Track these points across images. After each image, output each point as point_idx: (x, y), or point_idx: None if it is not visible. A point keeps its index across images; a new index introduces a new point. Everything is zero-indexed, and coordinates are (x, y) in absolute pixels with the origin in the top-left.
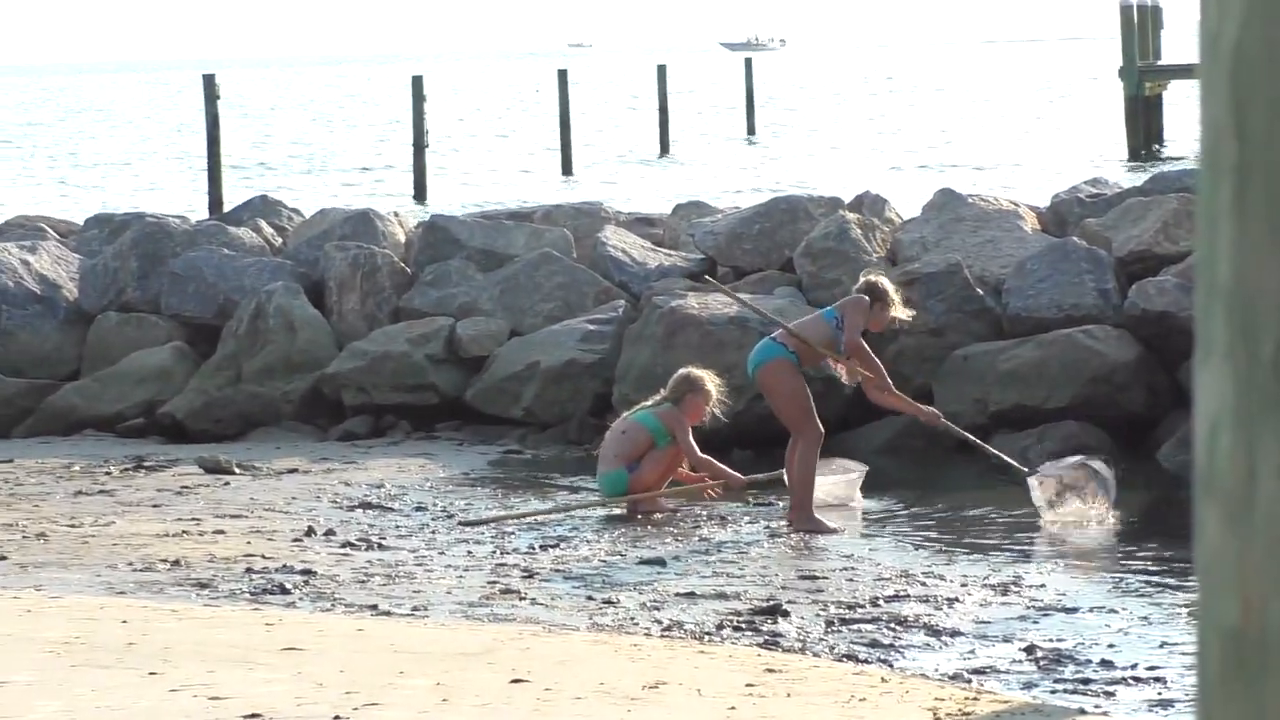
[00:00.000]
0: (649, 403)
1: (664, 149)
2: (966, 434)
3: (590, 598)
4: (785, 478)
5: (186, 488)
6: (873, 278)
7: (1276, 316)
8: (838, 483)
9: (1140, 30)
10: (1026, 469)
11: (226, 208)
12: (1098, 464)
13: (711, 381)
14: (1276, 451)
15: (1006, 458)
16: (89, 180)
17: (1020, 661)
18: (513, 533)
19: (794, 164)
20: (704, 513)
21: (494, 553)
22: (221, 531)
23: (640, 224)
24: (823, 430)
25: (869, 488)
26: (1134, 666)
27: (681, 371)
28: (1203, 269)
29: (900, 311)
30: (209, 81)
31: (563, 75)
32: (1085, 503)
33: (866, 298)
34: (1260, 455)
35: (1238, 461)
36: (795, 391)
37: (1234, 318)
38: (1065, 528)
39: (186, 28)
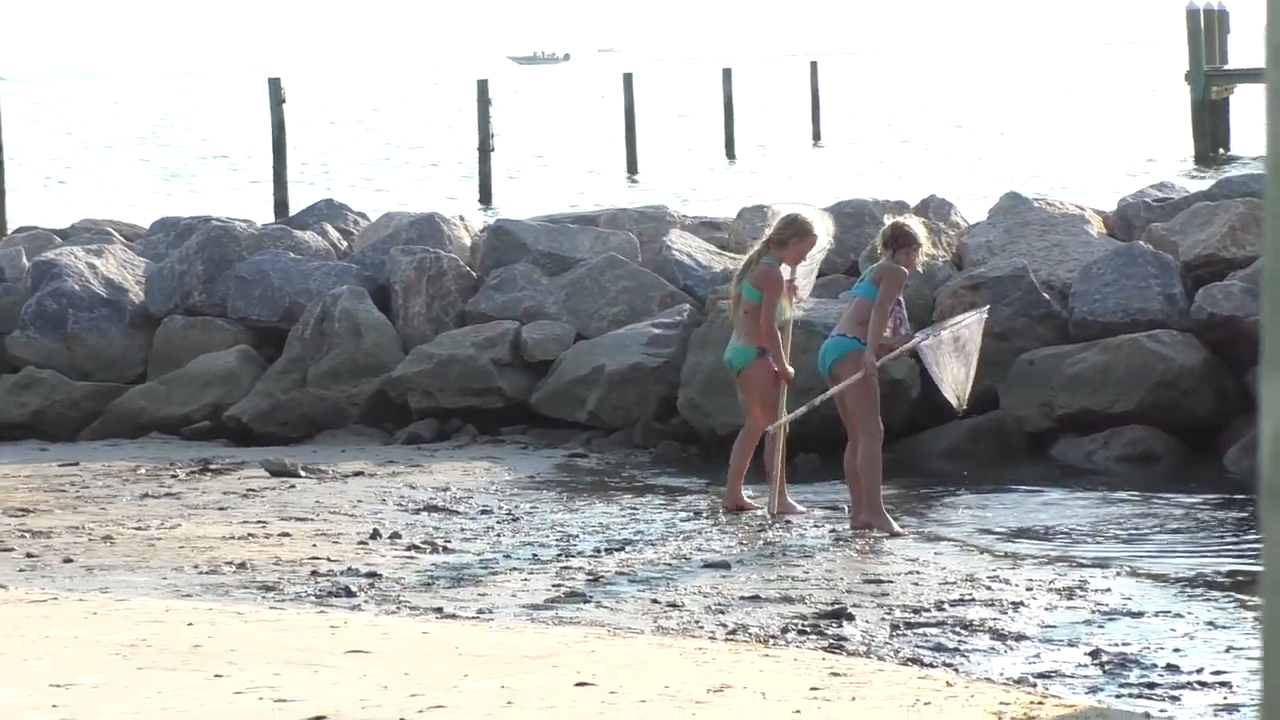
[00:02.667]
0: (758, 244)
1: (730, 152)
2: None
3: (655, 601)
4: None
5: (252, 490)
6: (897, 220)
7: None
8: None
9: (1207, 34)
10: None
11: (291, 212)
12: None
13: (822, 223)
14: None
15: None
16: (153, 185)
17: (1085, 666)
18: (578, 536)
19: (857, 169)
20: (768, 515)
21: (559, 556)
22: (287, 534)
23: (705, 228)
24: (883, 430)
25: (932, 494)
26: (1199, 671)
27: (788, 213)
28: (1269, 283)
29: (928, 247)
30: (275, 85)
31: (628, 79)
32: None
33: (903, 269)
34: None
35: None
36: (869, 386)
37: None
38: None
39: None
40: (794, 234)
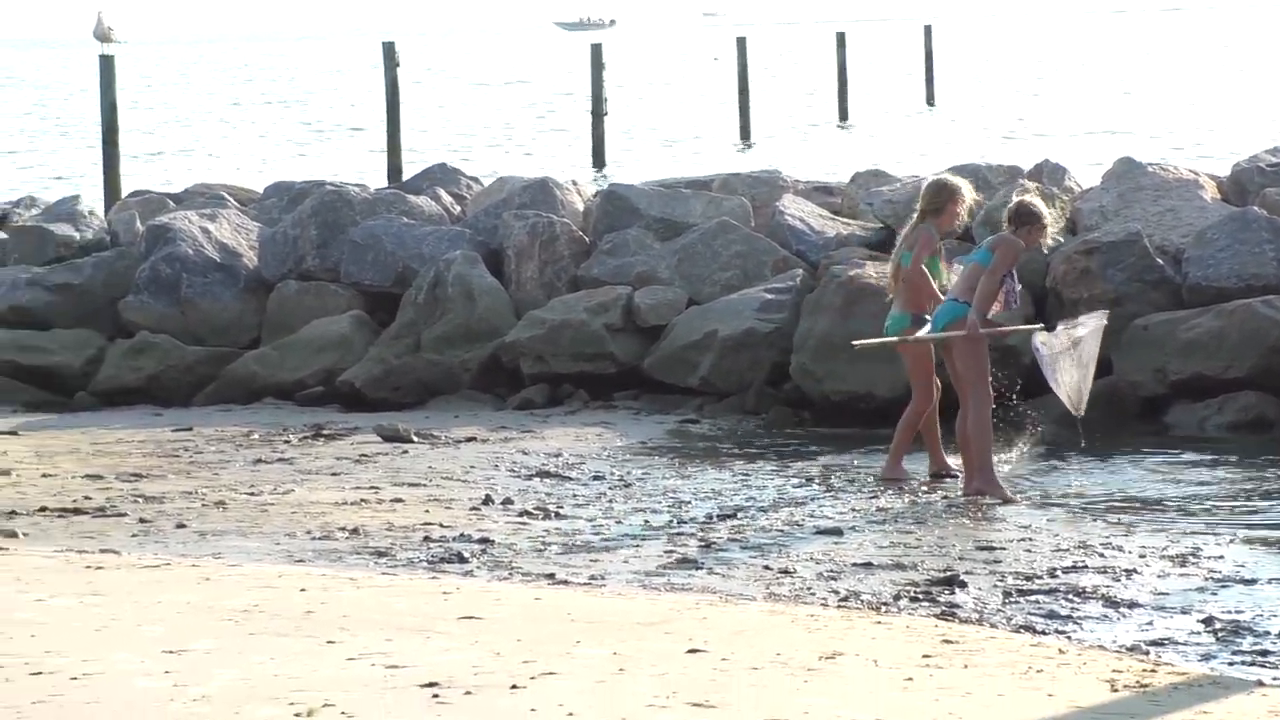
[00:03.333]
0: (911, 220)
1: (843, 116)
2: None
3: (767, 567)
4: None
5: (365, 456)
6: (1024, 199)
7: None
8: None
9: None
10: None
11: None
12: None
13: (967, 188)
14: None
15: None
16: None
17: (1198, 633)
18: (690, 502)
19: (972, 133)
20: (881, 481)
21: (671, 522)
22: (399, 500)
23: (819, 193)
24: (994, 395)
25: (1044, 460)
26: None
27: (935, 179)
28: None
29: (1052, 227)
30: (389, 49)
31: (741, 43)
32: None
33: (1020, 240)
34: None
35: None
36: (978, 351)
37: None
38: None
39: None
40: (947, 198)
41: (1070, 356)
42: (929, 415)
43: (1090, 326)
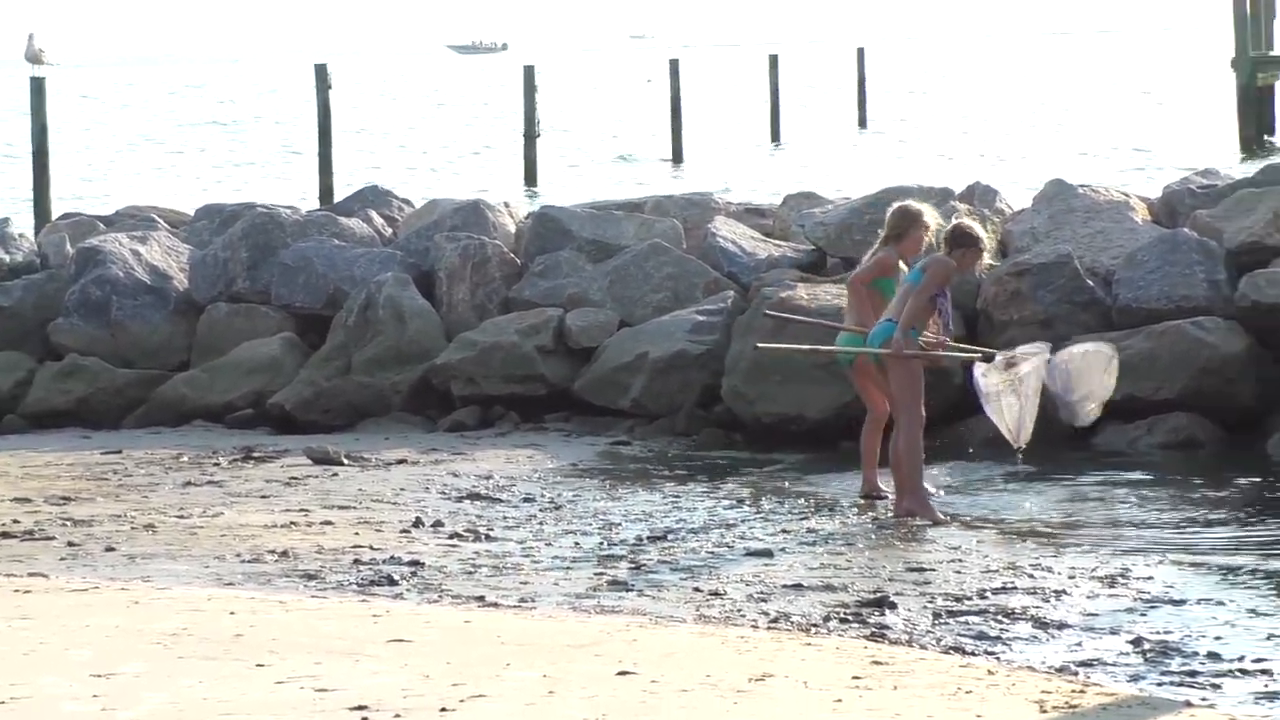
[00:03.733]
0: (872, 249)
1: (775, 138)
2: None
3: (697, 589)
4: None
5: (295, 479)
6: (961, 221)
7: None
8: (1032, 361)
9: (1254, 20)
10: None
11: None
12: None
13: (930, 214)
14: None
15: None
16: (195, 171)
17: (1127, 654)
18: (620, 524)
19: (903, 155)
20: (810, 504)
21: (601, 544)
22: (329, 522)
23: (750, 214)
24: (925, 416)
25: (975, 481)
26: (1241, 659)
27: (899, 205)
28: None
29: (987, 253)
30: (321, 71)
31: (674, 64)
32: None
33: (952, 262)
34: None
35: None
36: (911, 372)
37: None
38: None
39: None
40: (909, 224)
41: (1005, 381)
42: (870, 436)
43: (1033, 364)
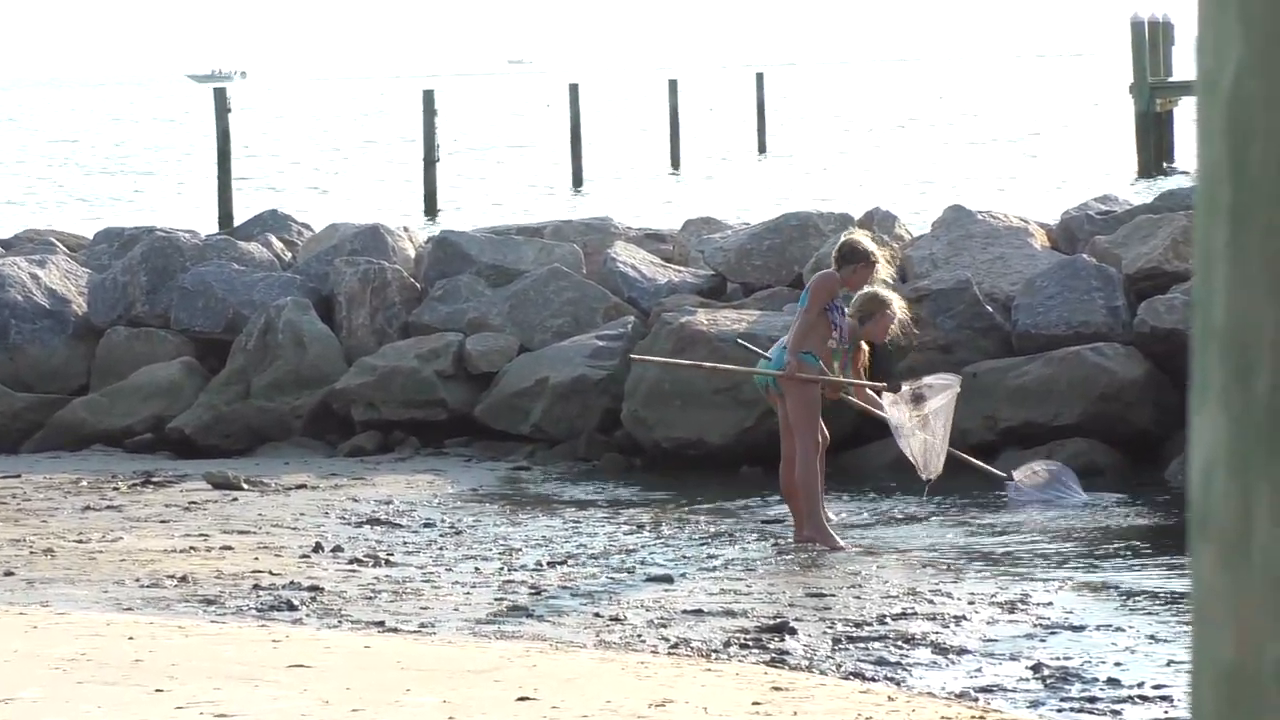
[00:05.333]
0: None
1: (674, 163)
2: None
3: (597, 615)
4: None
5: (194, 503)
6: (849, 237)
7: (1271, 358)
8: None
9: (1152, 46)
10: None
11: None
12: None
13: (898, 302)
14: (1271, 494)
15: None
16: (97, 193)
17: (1027, 680)
18: (520, 549)
19: (803, 180)
20: (711, 529)
21: (501, 570)
22: (229, 548)
23: (650, 239)
24: (822, 441)
25: (875, 507)
26: (1140, 685)
27: (868, 290)
28: (1199, 310)
29: (885, 271)
30: (220, 95)
31: (574, 89)
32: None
33: (833, 269)
34: (1255, 498)
35: (1232, 504)
36: (809, 395)
37: (1229, 359)
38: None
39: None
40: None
41: (912, 410)
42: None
43: (943, 400)
